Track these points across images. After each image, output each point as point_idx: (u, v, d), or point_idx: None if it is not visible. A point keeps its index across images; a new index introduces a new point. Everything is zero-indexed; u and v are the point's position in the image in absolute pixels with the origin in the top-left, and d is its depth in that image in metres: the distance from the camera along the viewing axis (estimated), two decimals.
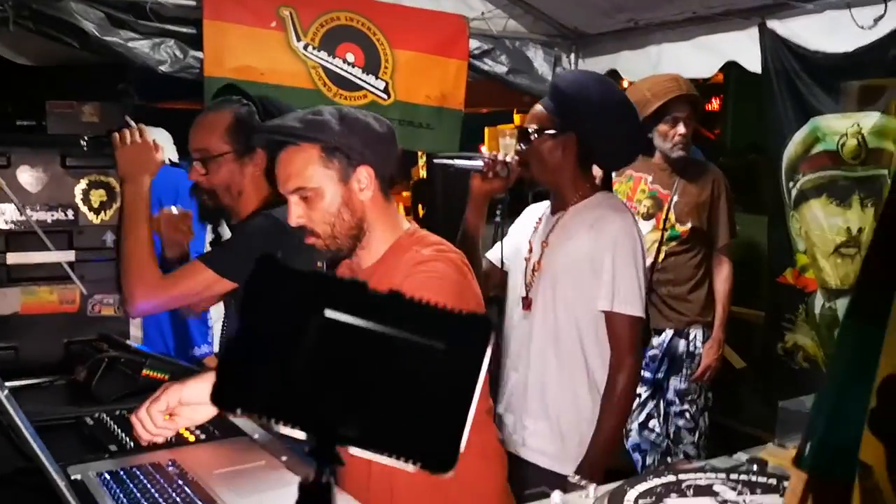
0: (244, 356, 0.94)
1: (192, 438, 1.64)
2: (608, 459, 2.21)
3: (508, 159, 2.26)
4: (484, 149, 2.30)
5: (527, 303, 2.33)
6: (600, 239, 2.21)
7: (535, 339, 2.31)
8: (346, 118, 1.69)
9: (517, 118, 7.01)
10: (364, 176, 1.69)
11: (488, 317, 0.80)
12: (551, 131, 2.26)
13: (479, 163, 2.30)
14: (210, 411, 1.45)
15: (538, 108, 2.33)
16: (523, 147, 2.30)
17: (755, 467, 1.41)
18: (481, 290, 1.94)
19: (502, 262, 2.46)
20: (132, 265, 1.99)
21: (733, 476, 1.36)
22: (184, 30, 3.57)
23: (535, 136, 2.26)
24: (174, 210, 2.29)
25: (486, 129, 6.35)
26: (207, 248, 2.93)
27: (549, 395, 2.29)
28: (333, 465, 0.92)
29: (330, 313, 0.88)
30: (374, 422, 0.88)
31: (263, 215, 2.15)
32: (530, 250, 2.40)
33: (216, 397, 0.98)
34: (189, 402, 1.42)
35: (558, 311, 2.27)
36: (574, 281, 2.25)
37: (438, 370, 0.81)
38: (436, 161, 2.51)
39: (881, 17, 3.01)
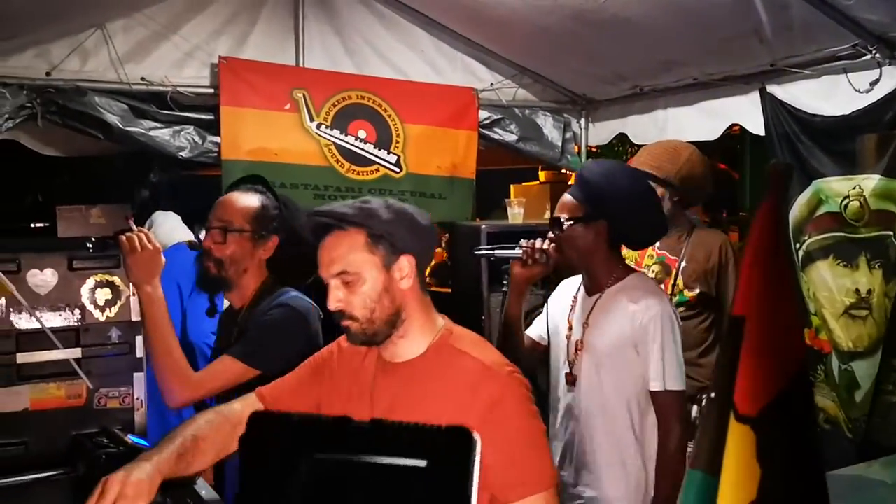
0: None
1: None
2: None
3: (545, 246, 2.42)
4: (523, 240, 2.44)
5: (571, 379, 2.49)
6: (642, 321, 2.36)
7: (582, 413, 2.45)
8: (392, 208, 1.72)
9: (542, 174, 7.08)
10: (406, 265, 1.71)
11: (467, 429, 0.83)
12: (582, 219, 2.41)
13: (518, 251, 2.45)
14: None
15: (567, 197, 2.48)
16: (557, 234, 2.44)
17: None
18: (527, 365, 2.30)
19: (548, 337, 2.63)
20: (165, 367, 2.17)
21: None
22: (202, 116, 3.77)
23: (568, 224, 2.41)
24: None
25: (512, 186, 6.42)
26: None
27: (599, 467, 2.43)
28: None
29: (318, 454, 0.94)
30: None
31: (281, 305, 2.30)
32: (570, 328, 2.53)
33: None
34: (130, 494, 1.49)
35: (604, 388, 2.42)
36: (618, 360, 2.40)
37: (427, 487, 0.84)
38: (476, 252, 2.69)
39: (877, 80, 3.05)
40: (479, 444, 0.84)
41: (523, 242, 2.47)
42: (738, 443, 0.74)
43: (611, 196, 2.41)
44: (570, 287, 2.65)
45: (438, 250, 9.50)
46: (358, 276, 1.68)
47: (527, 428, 1.64)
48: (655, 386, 2.37)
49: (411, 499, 0.83)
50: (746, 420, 0.74)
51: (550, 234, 2.47)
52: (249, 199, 2.35)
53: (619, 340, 2.39)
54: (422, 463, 0.84)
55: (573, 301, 2.58)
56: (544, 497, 1.60)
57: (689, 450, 2.41)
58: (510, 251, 2.50)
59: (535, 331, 2.67)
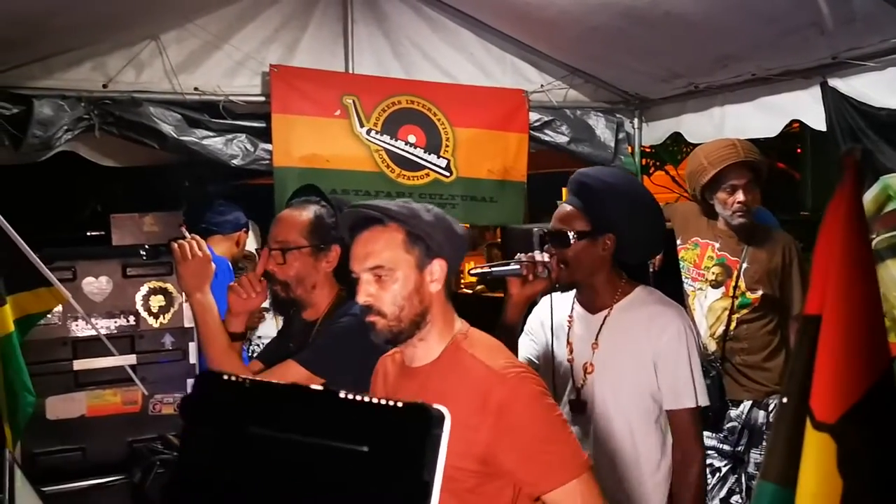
0: (184, 474, 0.93)
1: None
2: None
3: (546, 259, 2.22)
4: (520, 253, 2.23)
5: (580, 405, 2.30)
6: (662, 338, 2.20)
7: (595, 440, 2.28)
8: (432, 212, 1.78)
9: None
10: (438, 268, 1.75)
11: (428, 407, 0.74)
12: (590, 234, 2.24)
13: (516, 267, 2.22)
14: None
15: (568, 208, 2.31)
16: (559, 249, 2.26)
17: None
18: None
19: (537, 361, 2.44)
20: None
21: None
22: (254, 124, 3.79)
23: (574, 238, 2.24)
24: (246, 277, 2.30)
25: (564, 189, 6.36)
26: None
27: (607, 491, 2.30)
28: None
29: (255, 427, 0.85)
30: None
31: (351, 315, 2.23)
32: (571, 351, 2.36)
33: None
34: None
35: (623, 411, 2.25)
36: (636, 381, 2.24)
37: (372, 473, 0.74)
38: (471, 273, 2.43)
39: None
40: (446, 423, 0.75)
41: (521, 256, 2.23)
42: (817, 453, 0.68)
43: (621, 208, 2.24)
44: (557, 304, 2.41)
45: (496, 252, 9.45)
46: (391, 273, 1.71)
47: (540, 423, 1.66)
48: (678, 404, 2.20)
49: (360, 479, 0.74)
50: (825, 428, 0.68)
51: (549, 248, 2.26)
52: (303, 213, 2.30)
53: (639, 360, 2.22)
54: (362, 447, 0.75)
55: (569, 320, 2.38)
56: (577, 484, 1.62)
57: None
58: (507, 268, 2.24)
59: (525, 353, 2.42)
